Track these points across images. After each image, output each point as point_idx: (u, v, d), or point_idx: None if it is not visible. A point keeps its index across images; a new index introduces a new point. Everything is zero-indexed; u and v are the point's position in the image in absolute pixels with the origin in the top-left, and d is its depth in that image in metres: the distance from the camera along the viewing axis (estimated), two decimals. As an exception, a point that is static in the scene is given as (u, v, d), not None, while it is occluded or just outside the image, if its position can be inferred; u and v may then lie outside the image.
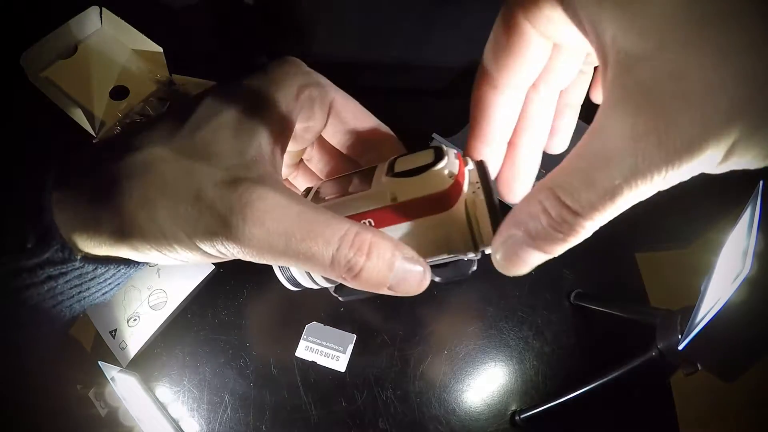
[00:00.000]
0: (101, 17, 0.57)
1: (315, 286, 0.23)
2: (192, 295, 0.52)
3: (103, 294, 0.23)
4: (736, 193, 0.41)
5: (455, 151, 0.20)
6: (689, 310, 0.37)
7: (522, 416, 0.48)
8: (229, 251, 0.18)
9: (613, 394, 0.45)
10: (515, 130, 0.22)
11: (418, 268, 0.19)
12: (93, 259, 0.20)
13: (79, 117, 0.52)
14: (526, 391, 0.50)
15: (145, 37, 0.55)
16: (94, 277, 0.21)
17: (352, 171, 0.24)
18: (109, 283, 0.23)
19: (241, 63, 0.64)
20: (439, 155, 0.19)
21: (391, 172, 0.19)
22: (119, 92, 0.55)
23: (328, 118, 0.23)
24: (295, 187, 0.27)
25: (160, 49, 0.55)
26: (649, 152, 0.13)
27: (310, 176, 0.27)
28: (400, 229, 0.19)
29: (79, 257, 0.20)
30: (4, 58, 0.53)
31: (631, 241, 0.61)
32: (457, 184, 0.19)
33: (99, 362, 0.45)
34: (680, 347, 0.35)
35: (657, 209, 0.65)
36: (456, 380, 0.50)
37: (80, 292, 0.22)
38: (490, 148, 0.22)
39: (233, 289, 0.52)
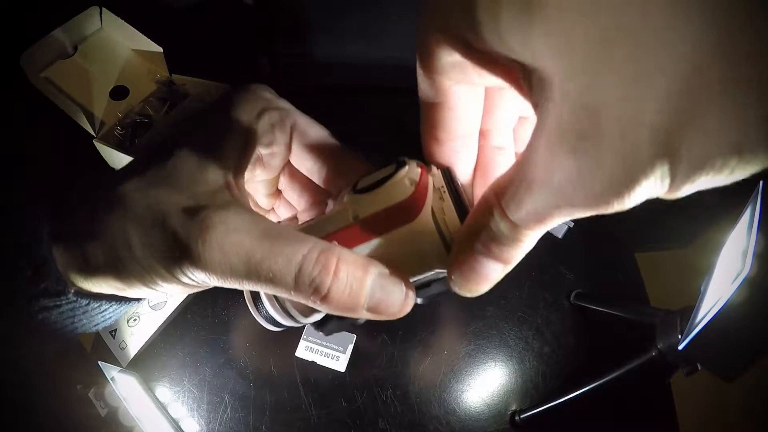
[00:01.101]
0: (101, 17, 0.57)
1: (295, 324, 0.21)
2: (192, 295, 0.52)
3: (95, 325, 0.23)
4: (736, 193, 0.41)
5: (418, 161, 0.19)
6: (689, 310, 0.37)
7: (522, 416, 0.48)
8: (197, 277, 0.18)
9: (613, 394, 0.45)
10: (477, 183, 0.21)
11: (398, 285, 0.18)
12: (86, 294, 0.21)
13: (79, 117, 0.52)
14: (526, 391, 0.50)
15: (145, 37, 0.55)
16: (87, 311, 0.22)
17: (325, 199, 0.24)
18: (102, 317, 0.23)
19: (241, 63, 0.64)
20: (400, 165, 0.18)
21: (352, 189, 0.19)
22: (119, 92, 0.55)
23: (292, 141, 0.23)
24: (278, 216, 0.27)
25: (160, 49, 0.55)
26: (566, 193, 0.13)
27: (290, 208, 0.27)
28: (368, 248, 0.18)
29: (72, 291, 0.20)
30: (4, 58, 0.53)
31: (631, 241, 0.61)
32: (419, 191, 0.18)
33: (99, 362, 0.45)
34: (680, 347, 0.35)
35: (657, 209, 0.65)
36: (456, 380, 0.50)
37: (73, 323, 0.22)
38: None
39: (233, 289, 0.52)
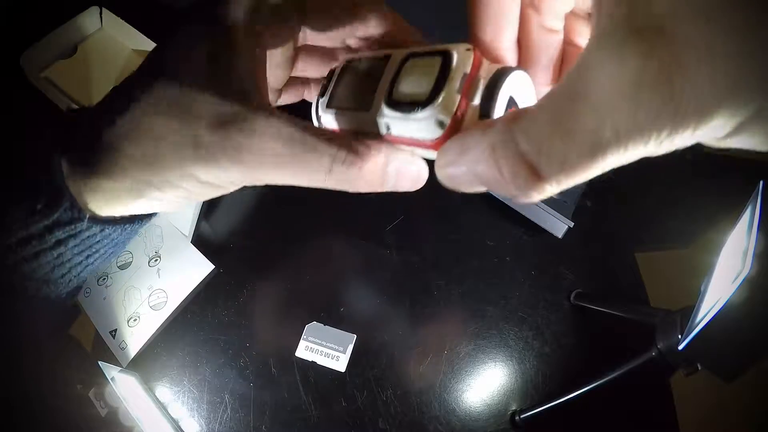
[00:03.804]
0: (101, 17, 0.57)
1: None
2: (192, 295, 0.52)
3: (107, 257, 0.24)
4: (736, 193, 0.41)
5: (471, 63, 0.16)
6: (689, 310, 0.37)
7: (522, 416, 0.48)
8: (235, 184, 0.19)
9: (613, 394, 0.45)
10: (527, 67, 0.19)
11: (413, 168, 0.19)
12: (100, 220, 0.21)
13: (79, 117, 0.52)
14: (526, 391, 0.50)
15: (145, 37, 0.56)
16: (101, 239, 0.22)
17: (374, 53, 0.21)
18: (115, 243, 0.23)
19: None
20: (440, 82, 0.16)
21: (389, 96, 0.18)
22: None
23: (306, 9, 0.22)
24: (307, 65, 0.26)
25: (160, 49, 0.55)
26: (654, 105, 0.10)
27: (314, 53, 0.25)
28: (398, 148, 0.19)
29: (87, 216, 0.21)
30: (4, 58, 0.53)
31: (631, 241, 0.61)
32: (450, 130, 0.16)
33: (99, 362, 0.45)
34: (680, 347, 0.35)
35: (657, 209, 0.65)
36: (456, 380, 0.50)
37: (87, 256, 0.22)
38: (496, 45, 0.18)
39: (233, 289, 0.52)
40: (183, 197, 0.20)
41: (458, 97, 0.16)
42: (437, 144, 0.16)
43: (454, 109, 0.16)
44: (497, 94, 0.16)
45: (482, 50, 0.17)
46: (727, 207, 0.42)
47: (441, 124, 0.16)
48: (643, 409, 0.51)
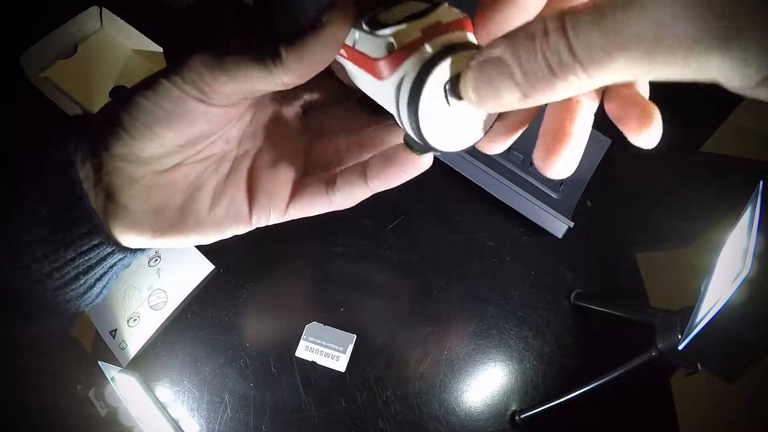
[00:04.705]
0: (101, 17, 0.57)
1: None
2: (192, 295, 0.52)
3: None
4: (736, 193, 0.41)
5: (453, 21, 0.17)
6: (689, 310, 0.37)
7: (522, 416, 0.48)
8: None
9: (613, 394, 0.45)
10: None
11: None
12: (128, 249, 0.21)
13: (79, 117, 0.52)
14: (526, 391, 0.50)
15: (145, 37, 0.56)
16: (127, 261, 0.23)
17: None
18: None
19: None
20: (412, 18, 0.17)
21: (373, 17, 0.18)
22: (119, 92, 0.55)
23: None
24: None
25: (160, 49, 0.55)
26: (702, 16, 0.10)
27: None
28: (356, 69, 0.19)
29: (119, 249, 0.21)
30: (4, 58, 0.53)
31: (631, 241, 0.61)
32: (391, 58, 0.17)
33: (99, 362, 0.45)
34: (680, 347, 0.35)
35: (657, 209, 0.65)
36: (456, 380, 0.50)
37: (112, 276, 0.23)
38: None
39: (233, 289, 0.52)
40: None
41: (417, 35, 0.16)
42: (377, 63, 0.17)
43: (407, 41, 0.16)
44: (450, 54, 0.16)
45: (482, 30, 0.17)
46: (727, 207, 0.42)
47: (389, 47, 0.17)
48: (643, 409, 0.51)
